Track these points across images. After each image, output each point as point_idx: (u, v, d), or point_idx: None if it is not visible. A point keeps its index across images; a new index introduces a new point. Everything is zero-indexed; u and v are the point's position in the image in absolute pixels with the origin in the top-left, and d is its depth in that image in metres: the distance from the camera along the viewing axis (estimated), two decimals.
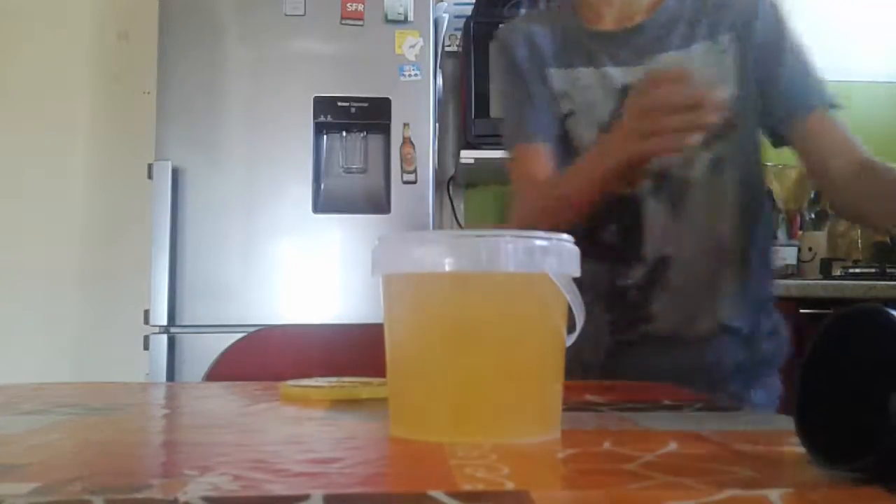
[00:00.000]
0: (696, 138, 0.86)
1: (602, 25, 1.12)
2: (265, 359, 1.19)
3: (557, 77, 1.12)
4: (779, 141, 1.10)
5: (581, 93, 1.10)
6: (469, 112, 2.27)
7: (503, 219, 2.66)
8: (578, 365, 1.08)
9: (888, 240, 2.57)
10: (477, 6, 2.45)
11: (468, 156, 2.26)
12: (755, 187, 1.12)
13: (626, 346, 1.09)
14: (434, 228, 2.19)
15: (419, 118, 2.10)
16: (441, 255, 0.55)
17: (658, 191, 1.06)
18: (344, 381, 0.83)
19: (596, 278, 1.07)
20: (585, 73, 1.10)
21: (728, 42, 1.06)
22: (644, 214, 1.07)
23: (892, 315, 0.43)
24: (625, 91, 1.04)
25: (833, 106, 1.06)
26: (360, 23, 2.10)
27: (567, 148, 1.12)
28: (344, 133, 2.15)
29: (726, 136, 1.04)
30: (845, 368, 0.46)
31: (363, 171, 2.15)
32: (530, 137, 1.14)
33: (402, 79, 2.09)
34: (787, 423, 0.69)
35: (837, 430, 0.45)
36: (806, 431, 0.45)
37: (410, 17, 2.10)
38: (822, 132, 1.05)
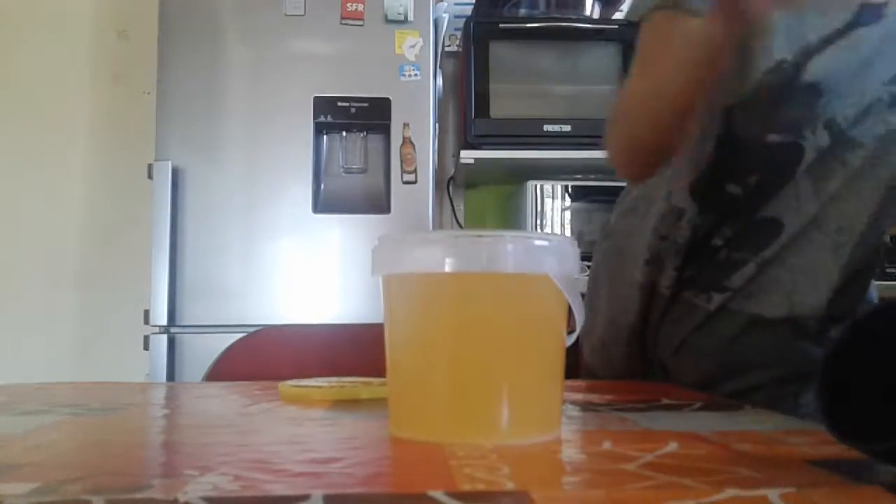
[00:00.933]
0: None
1: None
2: (265, 359, 1.19)
3: None
4: None
5: None
6: (469, 112, 2.27)
7: (503, 219, 2.67)
8: (619, 328, 0.99)
9: (888, 240, 2.57)
10: (477, 6, 2.45)
11: (468, 156, 2.27)
12: None
13: (673, 304, 0.95)
14: (434, 228, 2.19)
15: (419, 118, 2.10)
16: (441, 255, 0.55)
17: (819, 165, 0.85)
18: (344, 381, 0.83)
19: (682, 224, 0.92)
20: None
21: None
22: (797, 171, 0.85)
23: None
24: (864, 11, 0.82)
25: None
26: (360, 23, 2.10)
27: None
28: (344, 133, 2.15)
29: None
30: (873, 363, 0.45)
31: (363, 171, 2.15)
32: (680, 4, 0.83)
33: (402, 79, 2.09)
34: (788, 423, 0.69)
35: (863, 420, 0.44)
36: (831, 417, 0.44)
37: (410, 17, 2.10)
38: None
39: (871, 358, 0.45)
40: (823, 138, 0.85)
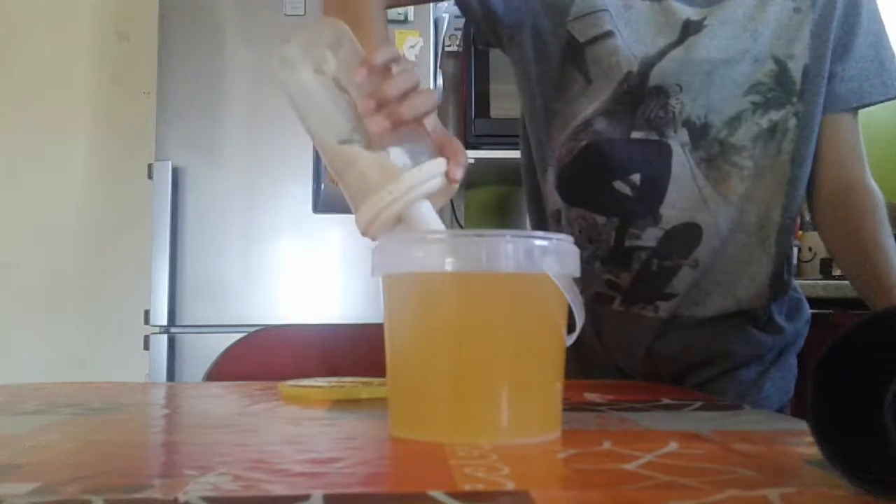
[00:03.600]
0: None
1: None
2: (265, 359, 1.19)
3: None
4: None
5: (629, 20, 0.97)
6: (469, 112, 2.27)
7: (503, 219, 2.67)
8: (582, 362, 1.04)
9: None
10: None
11: (468, 156, 2.26)
12: (805, 164, 1.00)
13: (625, 318, 1.01)
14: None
15: None
16: (441, 255, 0.55)
17: (696, 148, 0.96)
18: (344, 381, 0.83)
19: (599, 234, 0.99)
20: (641, 6, 0.97)
21: (807, 6, 0.97)
22: (672, 167, 0.96)
23: None
24: (688, 25, 0.96)
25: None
26: None
27: (575, 76, 0.99)
28: None
29: (786, 104, 0.97)
30: (861, 372, 0.44)
31: None
32: None
33: None
34: (787, 423, 0.69)
35: (854, 434, 0.43)
36: (823, 437, 0.43)
37: (410, 17, 2.10)
38: (832, 136, 1.01)
39: (857, 371, 0.44)
40: (684, 136, 0.96)
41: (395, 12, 2.08)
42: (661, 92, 0.95)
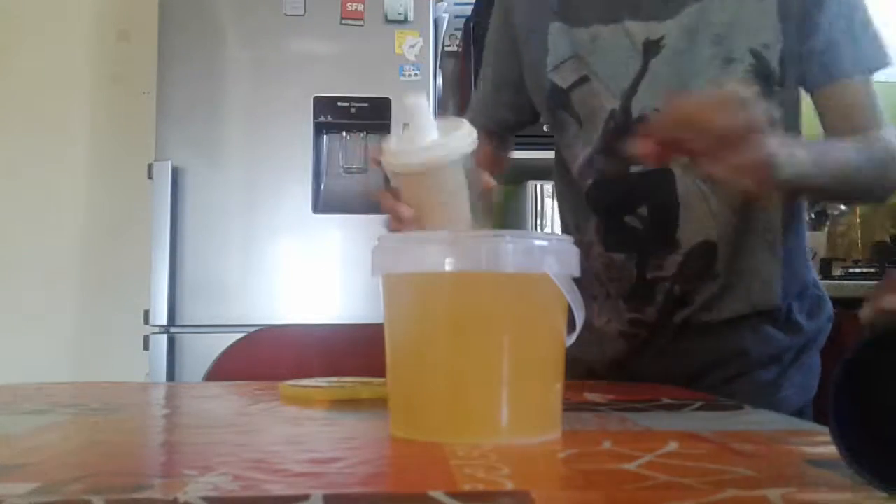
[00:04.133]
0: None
1: None
2: (265, 359, 1.19)
3: (566, 37, 0.99)
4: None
5: (601, 55, 0.97)
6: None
7: (503, 219, 2.66)
8: (584, 367, 1.04)
9: (888, 239, 2.57)
10: (477, 6, 2.45)
11: None
12: None
13: (649, 340, 1.01)
14: None
15: None
16: (441, 255, 0.55)
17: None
18: (344, 381, 0.83)
19: (619, 271, 0.99)
20: (605, 32, 0.96)
21: None
22: (679, 193, 0.96)
23: None
24: (648, 48, 0.95)
25: (877, 68, 0.95)
26: (360, 23, 2.10)
27: (567, 119, 1.02)
28: (344, 133, 2.14)
29: (769, 95, 0.93)
30: (883, 382, 0.43)
31: (363, 171, 2.14)
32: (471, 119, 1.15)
33: (402, 79, 2.09)
34: (788, 423, 0.69)
35: (878, 443, 0.42)
36: (847, 447, 0.42)
37: (410, 17, 2.10)
38: (840, 103, 0.96)
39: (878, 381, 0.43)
40: (684, 157, 0.95)
41: (395, 12, 2.09)
42: (646, 121, 0.95)
